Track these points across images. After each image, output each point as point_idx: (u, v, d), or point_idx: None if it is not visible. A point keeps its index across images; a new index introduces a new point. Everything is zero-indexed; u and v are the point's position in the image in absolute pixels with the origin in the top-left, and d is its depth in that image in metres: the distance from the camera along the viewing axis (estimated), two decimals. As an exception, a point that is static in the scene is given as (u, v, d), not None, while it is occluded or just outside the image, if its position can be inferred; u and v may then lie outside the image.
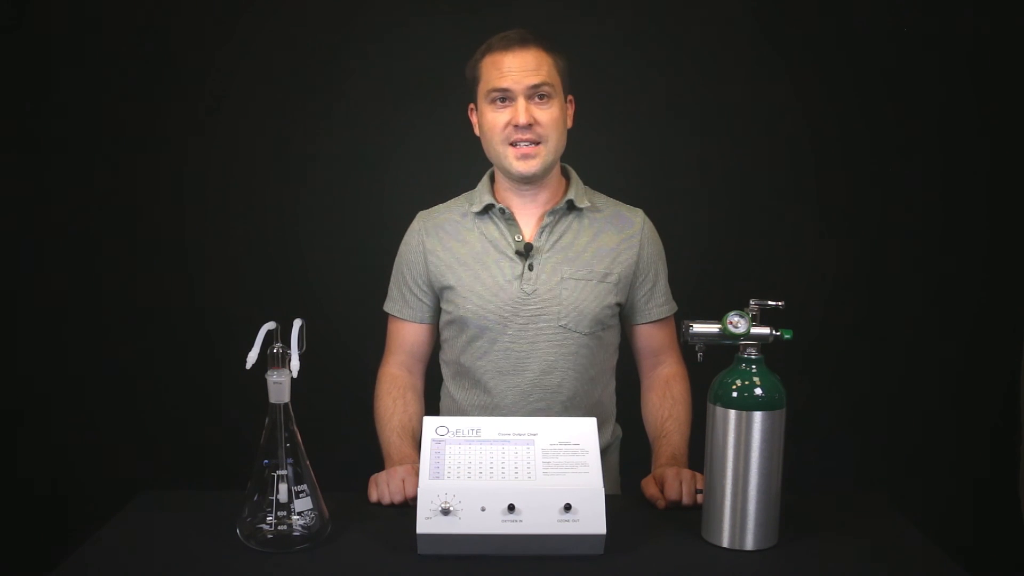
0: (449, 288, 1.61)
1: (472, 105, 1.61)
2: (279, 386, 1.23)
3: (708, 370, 1.31)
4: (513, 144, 1.53)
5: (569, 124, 1.60)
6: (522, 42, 1.53)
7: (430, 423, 1.32)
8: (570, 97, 1.61)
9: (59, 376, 2.32)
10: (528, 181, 1.57)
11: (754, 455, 1.22)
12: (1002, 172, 2.27)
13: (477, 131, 1.61)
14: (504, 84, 1.52)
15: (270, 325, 1.22)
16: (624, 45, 2.25)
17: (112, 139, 2.25)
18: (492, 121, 1.55)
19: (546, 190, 1.61)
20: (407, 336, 1.68)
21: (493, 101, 1.54)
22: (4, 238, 2.27)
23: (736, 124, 2.29)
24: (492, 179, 1.65)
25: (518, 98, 1.51)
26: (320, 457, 1.33)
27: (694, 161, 2.31)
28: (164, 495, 1.44)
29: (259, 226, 2.31)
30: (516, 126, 1.52)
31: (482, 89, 1.56)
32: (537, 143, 1.53)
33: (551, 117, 1.53)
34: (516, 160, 1.54)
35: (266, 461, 1.24)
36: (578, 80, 1.62)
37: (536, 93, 1.52)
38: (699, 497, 1.37)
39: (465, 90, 1.62)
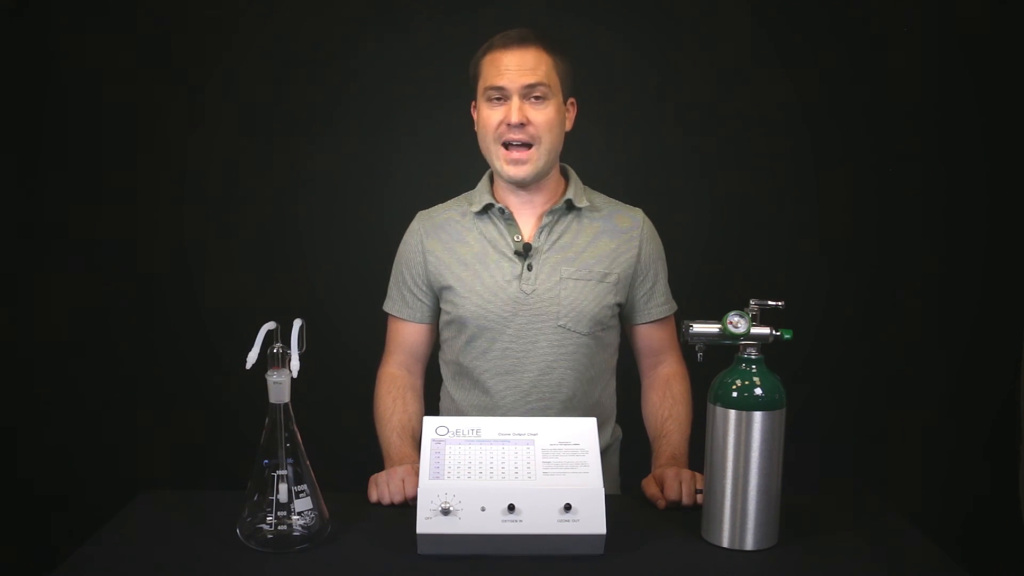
0: (448, 288, 1.61)
1: (474, 102, 1.61)
2: (279, 386, 1.23)
3: (708, 370, 1.31)
4: (505, 145, 1.53)
5: (568, 127, 1.60)
6: (522, 41, 1.52)
7: (430, 423, 1.32)
8: (571, 100, 1.60)
9: (59, 377, 2.31)
10: (519, 185, 1.57)
11: (754, 455, 1.22)
12: (1002, 173, 2.27)
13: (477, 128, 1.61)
14: (500, 82, 1.51)
15: (270, 325, 1.22)
16: (624, 45, 2.25)
17: (112, 138, 2.25)
18: (486, 119, 1.54)
19: (545, 190, 1.61)
20: (407, 336, 1.68)
21: (490, 99, 1.54)
22: (3, 238, 2.27)
23: (736, 124, 2.29)
24: (491, 179, 1.65)
25: (513, 97, 1.51)
26: (320, 457, 1.33)
27: (694, 161, 2.31)
28: (164, 495, 1.44)
29: (259, 226, 2.31)
30: (509, 124, 1.51)
31: (481, 86, 1.56)
32: (529, 145, 1.52)
33: (546, 118, 1.52)
34: (506, 164, 1.54)
35: (266, 461, 1.24)
36: (578, 80, 1.62)
37: (532, 93, 1.51)
38: (699, 497, 1.37)
39: (466, 90, 1.62)
